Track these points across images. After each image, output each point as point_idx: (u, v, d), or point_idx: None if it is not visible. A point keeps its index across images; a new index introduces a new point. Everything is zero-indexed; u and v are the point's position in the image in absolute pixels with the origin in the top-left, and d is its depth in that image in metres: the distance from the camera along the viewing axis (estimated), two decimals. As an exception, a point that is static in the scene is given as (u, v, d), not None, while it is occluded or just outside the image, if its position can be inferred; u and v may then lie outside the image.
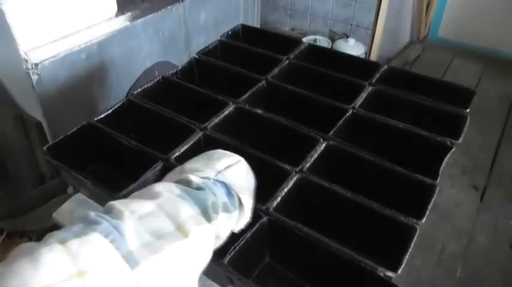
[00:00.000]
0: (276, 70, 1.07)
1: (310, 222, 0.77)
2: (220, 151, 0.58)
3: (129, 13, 1.48)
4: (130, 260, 0.37)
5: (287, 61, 1.11)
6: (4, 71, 1.38)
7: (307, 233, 0.70)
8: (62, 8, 1.25)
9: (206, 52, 1.15)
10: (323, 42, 2.68)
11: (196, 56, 1.12)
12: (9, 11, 1.11)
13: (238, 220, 0.55)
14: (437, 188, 0.77)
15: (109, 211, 0.42)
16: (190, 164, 0.55)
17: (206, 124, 0.89)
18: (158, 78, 1.03)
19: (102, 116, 0.91)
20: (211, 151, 0.59)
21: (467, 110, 0.94)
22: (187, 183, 0.50)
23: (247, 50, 1.16)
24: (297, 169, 0.80)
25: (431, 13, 2.81)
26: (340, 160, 0.85)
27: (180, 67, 1.08)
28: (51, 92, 1.31)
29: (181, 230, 0.42)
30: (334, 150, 0.86)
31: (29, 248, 0.35)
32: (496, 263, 1.60)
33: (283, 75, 1.08)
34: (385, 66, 1.08)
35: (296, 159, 0.83)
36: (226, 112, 0.93)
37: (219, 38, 1.20)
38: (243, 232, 0.69)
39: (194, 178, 0.50)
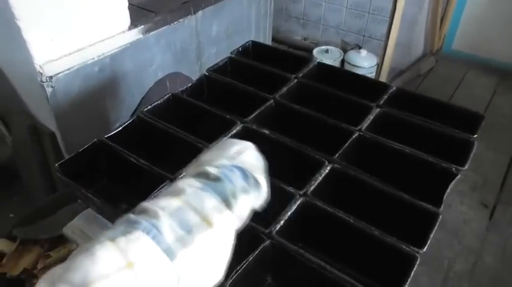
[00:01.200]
0: (284, 89, 1.08)
1: (313, 245, 0.78)
2: (229, 140, 0.65)
3: (142, 26, 1.51)
4: (169, 253, 0.43)
5: (295, 80, 1.12)
6: (20, 83, 1.42)
7: (308, 258, 0.71)
8: (76, 22, 1.29)
9: (216, 69, 1.16)
10: (335, 52, 2.68)
11: (206, 73, 1.14)
12: (25, 26, 1.15)
13: (257, 198, 0.60)
14: (440, 216, 0.77)
15: (144, 212, 0.48)
16: (205, 156, 0.60)
17: (213, 144, 0.91)
18: (168, 95, 1.05)
19: (112, 133, 0.93)
20: (221, 142, 0.66)
21: (475, 136, 0.94)
22: (206, 175, 0.55)
23: (257, 68, 1.18)
24: (301, 192, 0.81)
25: (446, 26, 2.79)
26: (345, 184, 0.86)
27: (190, 84, 1.10)
28: (64, 103, 1.35)
29: (206, 221, 0.48)
30: (338, 173, 0.86)
31: (86, 247, 0.41)
32: (504, 284, 1.58)
33: (292, 94, 1.09)
34: (394, 88, 1.08)
35: (301, 181, 0.84)
36: (234, 131, 0.95)
37: (229, 55, 1.22)
38: (245, 255, 0.71)
39: (211, 169, 0.55)
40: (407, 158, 0.90)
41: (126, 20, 1.47)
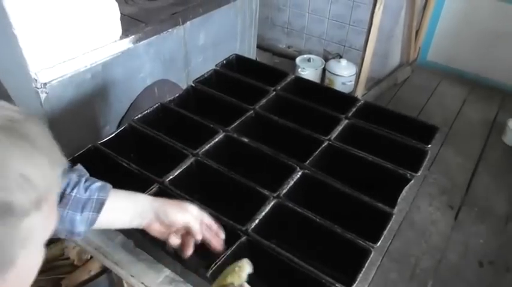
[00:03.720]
0: (263, 101, 1.19)
1: (285, 241, 0.89)
2: None
3: (133, 36, 1.60)
4: None
5: (274, 92, 1.23)
6: (15, 90, 1.50)
7: (279, 252, 0.82)
8: (70, 31, 1.37)
9: (202, 80, 1.27)
10: (317, 61, 2.81)
11: (193, 84, 1.24)
12: (22, 35, 1.23)
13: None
14: (394, 216, 0.89)
15: None
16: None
17: (198, 150, 1.01)
18: (157, 104, 1.14)
19: (106, 139, 1.03)
20: None
21: (429, 146, 1.06)
22: None
23: (239, 80, 1.28)
24: (275, 195, 0.92)
25: (421, 38, 2.95)
26: (314, 187, 0.97)
27: (177, 94, 1.20)
28: (57, 109, 1.43)
29: None
30: (308, 178, 0.98)
31: None
32: (465, 279, 1.73)
33: (270, 105, 1.20)
34: (362, 101, 1.20)
35: (276, 184, 0.95)
36: (216, 139, 1.05)
37: (214, 68, 1.32)
38: (224, 249, 0.81)
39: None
40: (370, 165, 1.02)
41: (118, 30, 1.56)
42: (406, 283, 1.71)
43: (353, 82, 2.66)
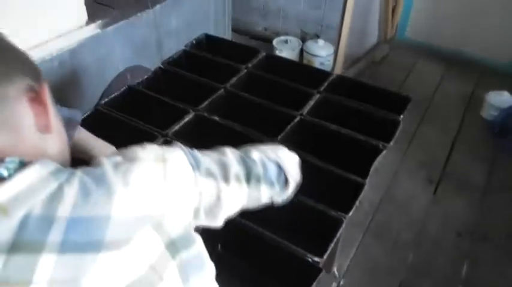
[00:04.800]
0: (234, 79, 1.17)
1: (257, 217, 0.89)
2: (283, 147, 0.75)
3: (100, 21, 1.55)
4: (194, 168, 0.54)
5: (245, 70, 1.21)
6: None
7: (250, 226, 0.81)
8: (32, 18, 1.32)
9: (171, 61, 1.24)
10: (294, 42, 2.79)
11: (161, 66, 1.21)
12: (-19, 24, 1.17)
13: (280, 194, 0.69)
14: (366, 186, 0.89)
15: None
16: (261, 146, 0.70)
17: (167, 131, 0.99)
18: (124, 88, 1.11)
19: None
20: (277, 145, 0.75)
21: (401, 116, 1.06)
22: (248, 155, 0.65)
23: (210, 60, 1.26)
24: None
25: (398, 14, 2.94)
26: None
27: (145, 77, 1.17)
28: (25, 98, 1.38)
29: (225, 178, 0.58)
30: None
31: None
32: (444, 249, 1.76)
33: (242, 83, 1.19)
34: (334, 75, 1.19)
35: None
36: (186, 119, 1.03)
37: (183, 48, 1.29)
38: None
39: (255, 154, 0.65)
40: (342, 138, 1.01)
41: (83, 15, 1.50)
42: (387, 257, 1.73)
43: (331, 62, 2.64)
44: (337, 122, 1.05)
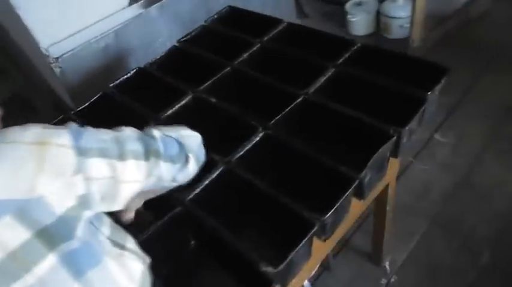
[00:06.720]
0: (244, 55, 1.07)
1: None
2: (186, 128, 0.72)
3: (142, 0, 1.57)
4: (82, 151, 0.52)
5: (259, 45, 1.10)
6: (37, 65, 1.60)
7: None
8: (74, 3, 1.39)
9: (188, 39, 1.19)
10: (369, 4, 2.47)
11: (176, 44, 1.18)
12: (24, 14, 1.28)
13: (180, 172, 0.66)
14: (358, 181, 0.73)
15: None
16: (162, 126, 0.68)
17: (160, 114, 0.96)
18: (136, 69, 1.11)
19: (80, 109, 1.04)
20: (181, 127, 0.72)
21: (429, 93, 0.84)
22: (148, 133, 0.63)
23: (228, 35, 1.18)
24: (226, 160, 0.83)
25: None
26: (276, 149, 0.86)
27: (158, 56, 1.15)
28: (75, 81, 1.49)
29: (120, 156, 0.56)
30: (271, 139, 0.86)
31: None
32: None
33: (254, 59, 1.08)
34: (358, 45, 1.01)
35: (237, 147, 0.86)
36: (183, 102, 0.98)
37: (202, 23, 1.23)
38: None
39: (155, 132, 0.64)
40: (348, 121, 0.86)
41: (125, -4, 1.54)
42: (454, 254, 1.47)
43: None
44: (351, 99, 0.88)
